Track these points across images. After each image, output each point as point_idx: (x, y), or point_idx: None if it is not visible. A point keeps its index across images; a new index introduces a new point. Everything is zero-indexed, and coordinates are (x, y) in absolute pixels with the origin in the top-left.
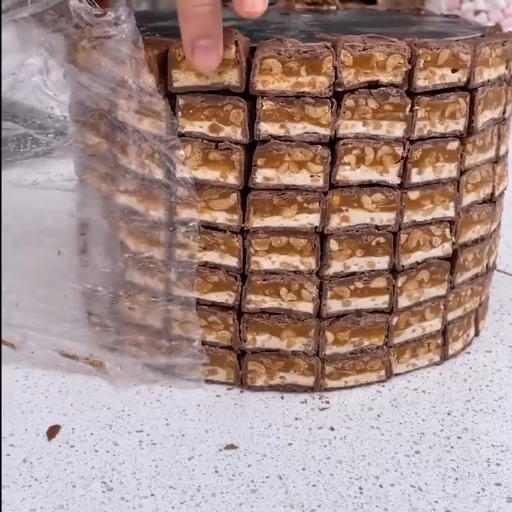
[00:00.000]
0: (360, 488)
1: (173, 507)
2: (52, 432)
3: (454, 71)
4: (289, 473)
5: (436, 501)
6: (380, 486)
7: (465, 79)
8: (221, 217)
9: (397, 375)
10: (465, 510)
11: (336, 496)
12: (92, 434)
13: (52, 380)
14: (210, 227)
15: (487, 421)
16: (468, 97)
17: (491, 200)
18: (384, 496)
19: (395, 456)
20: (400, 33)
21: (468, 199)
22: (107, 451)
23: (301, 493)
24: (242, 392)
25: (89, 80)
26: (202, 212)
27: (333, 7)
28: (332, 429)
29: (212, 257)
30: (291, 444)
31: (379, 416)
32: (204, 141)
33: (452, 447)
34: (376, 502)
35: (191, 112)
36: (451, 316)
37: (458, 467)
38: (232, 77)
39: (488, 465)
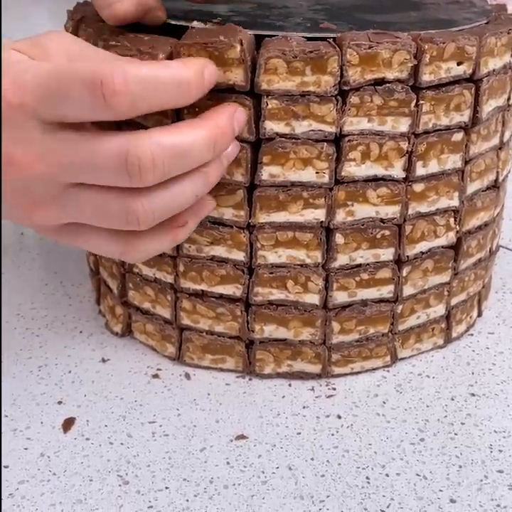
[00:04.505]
0: (367, 478)
1: (187, 500)
2: (68, 424)
3: (459, 64)
4: (298, 463)
5: (440, 490)
6: (387, 475)
7: (470, 71)
8: (228, 213)
9: (401, 359)
10: (468, 499)
11: (344, 486)
12: (106, 425)
13: (65, 370)
14: (217, 222)
15: (489, 406)
16: (473, 89)
17: (495, 185)
18: (390, 486)
19: (400, 444)
20: (405, 22)
21: (472, 187)
22: (122, 444)
23: (310, 484)
24: (250, 379)
25: None
26: None
27: None
28: (339, 417)
29: (219, 251)
30: (299, 433)
31: (384, 403)
32: None
33: (456, 434)
34: (383, 491)
35: (197, 109)
36: (454, 301)
37: (461, 454)
38: (237, 76)
39: (491, 452)
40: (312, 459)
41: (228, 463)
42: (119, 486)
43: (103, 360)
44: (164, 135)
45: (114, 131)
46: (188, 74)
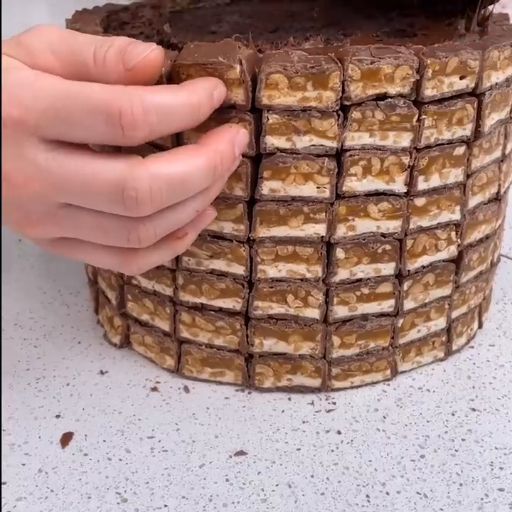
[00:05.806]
0: (367, 496)
1: None
2: (66, 439)
3: (462, 78)
4: (297, 480)
5: (441, 509)
6: (387, 493)
7: (473, 85)
8: (228, 227)
9: (402, 372)
10: None
11: (344, 504)
12: (104, 440)
13: (63, 382)
14: (216, 236)
15: (490, 421)
16: (475, 102)
17: (497, 198)
18: (391, 504)
19: (400, 461)
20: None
21: (474, 201)
22: (120, 460)
23: (310, 502)
24: (250, 393)
25: None
26: None
27: None
28: (339, 432)
29: (219, 265)
30: (299, 449)
31: (385, 418)
32: None
33: (456, 450)
34: (383, 510)
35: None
36: (455, 313)
37: (462, 472)
38: (238, 96)
39: (492, 469)
40: (312, 476)
41: (227, 480)
42: (118, 503)
43: (102, 372)
44: (162, 165)
45: (111, 156)
46: (198, 98)
